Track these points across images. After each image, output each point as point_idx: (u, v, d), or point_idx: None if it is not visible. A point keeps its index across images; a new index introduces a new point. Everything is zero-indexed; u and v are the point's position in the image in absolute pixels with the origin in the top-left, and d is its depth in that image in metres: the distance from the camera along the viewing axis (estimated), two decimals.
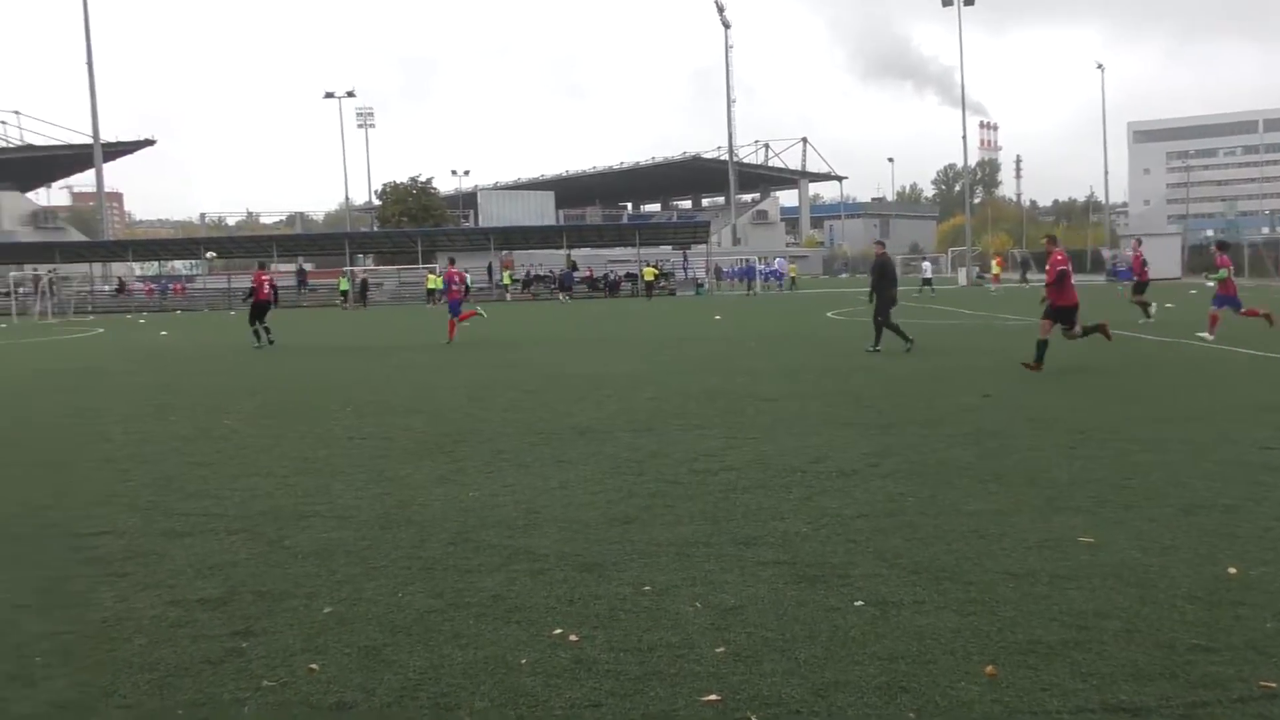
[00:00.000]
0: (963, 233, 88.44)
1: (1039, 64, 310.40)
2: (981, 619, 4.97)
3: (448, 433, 11.18)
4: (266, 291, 28.35)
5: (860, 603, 5.25)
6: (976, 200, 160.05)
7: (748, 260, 76.12)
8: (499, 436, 10.83)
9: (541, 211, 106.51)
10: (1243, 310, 20.92)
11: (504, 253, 75.48)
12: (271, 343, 26.42)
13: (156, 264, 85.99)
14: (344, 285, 64.15)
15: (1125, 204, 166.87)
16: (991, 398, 12.81)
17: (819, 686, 4.25)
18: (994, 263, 69.27)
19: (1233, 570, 5.61)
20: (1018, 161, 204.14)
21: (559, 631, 4.93)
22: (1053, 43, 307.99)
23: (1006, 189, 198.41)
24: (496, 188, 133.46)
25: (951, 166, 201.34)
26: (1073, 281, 16.01)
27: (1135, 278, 28.18)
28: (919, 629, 4.86)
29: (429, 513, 7.50)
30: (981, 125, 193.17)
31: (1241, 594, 5.24)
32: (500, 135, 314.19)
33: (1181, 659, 4.43)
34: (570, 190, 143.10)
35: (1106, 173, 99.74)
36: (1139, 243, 33.32)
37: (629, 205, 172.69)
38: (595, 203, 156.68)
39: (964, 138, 77.91)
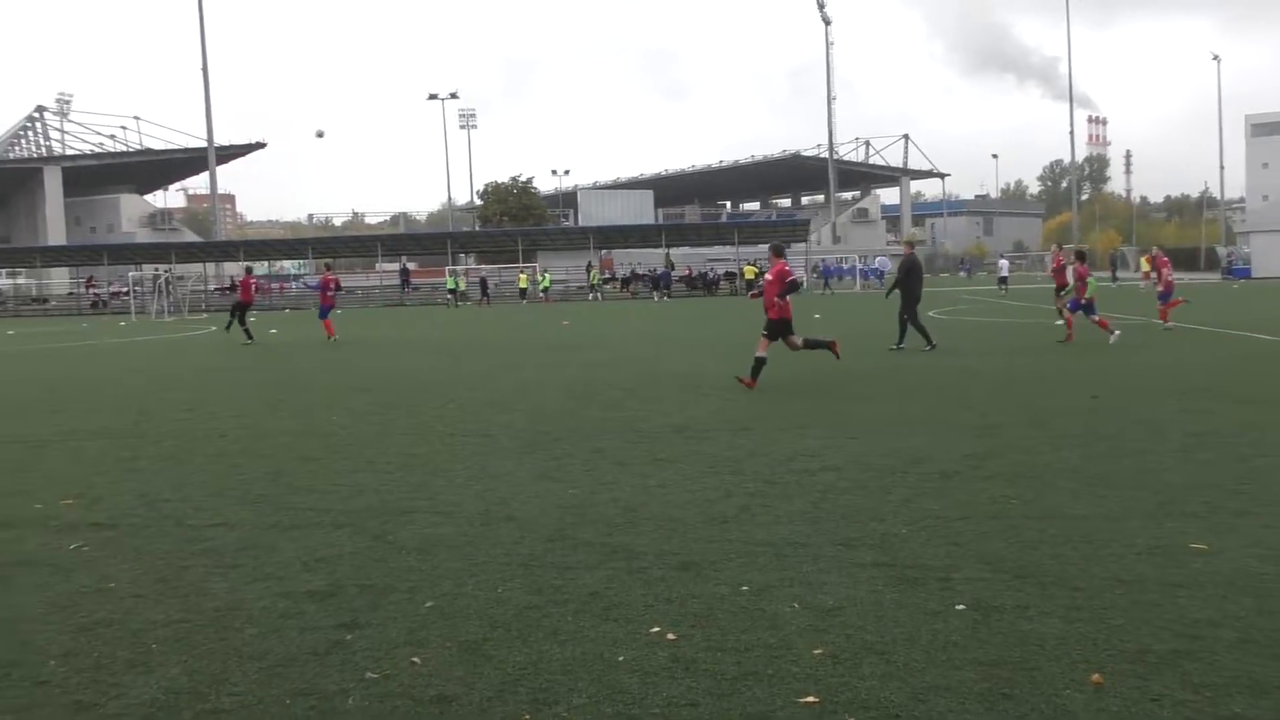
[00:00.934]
0: (1069, 230, 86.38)
1: (1150, 56, 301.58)
2: (1088, 626, 4.86)
3: (547, 430, 11.28)
4: (252, 293, 30.18)
5: (962, 606, 5.17)
6: (1084, 197, 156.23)
7: (823, 260, 75.59)
8: (598, 434, 10.89)
9: (640, 210, 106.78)
10: (1095, 319, 21.00)
11: (603, 252, 75.88)
12: (250, 339, 27.67)
13: (266, 264, 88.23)
14: (452, 284, 64.96)
15: (1242, 199, 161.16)
16: (1099, 399, 12.51)
17: (918, 690, 4.20)
18: (1144, 260, 65.55)
19: None
20: (1127, 157, 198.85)
21: (656, 630, 4.95)
22: (1163, 34, 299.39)
23: (1115, 185, 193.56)
24: (595, 187, 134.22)
25: (1058, 162, 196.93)
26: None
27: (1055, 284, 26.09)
28: (1022, 634, 4.77)
29: (528, 510, 7.58)
30: (1089, 120, 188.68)
31: None
32: (599, 135, 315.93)
33: None
34: (669, 189, 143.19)
35: (1222, 168, 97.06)
36: (1059, 248, 32.03)
37: (728, 204, 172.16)
38: (694, 201, 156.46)
39: (1071, 132, 76.42)
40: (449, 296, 63.98)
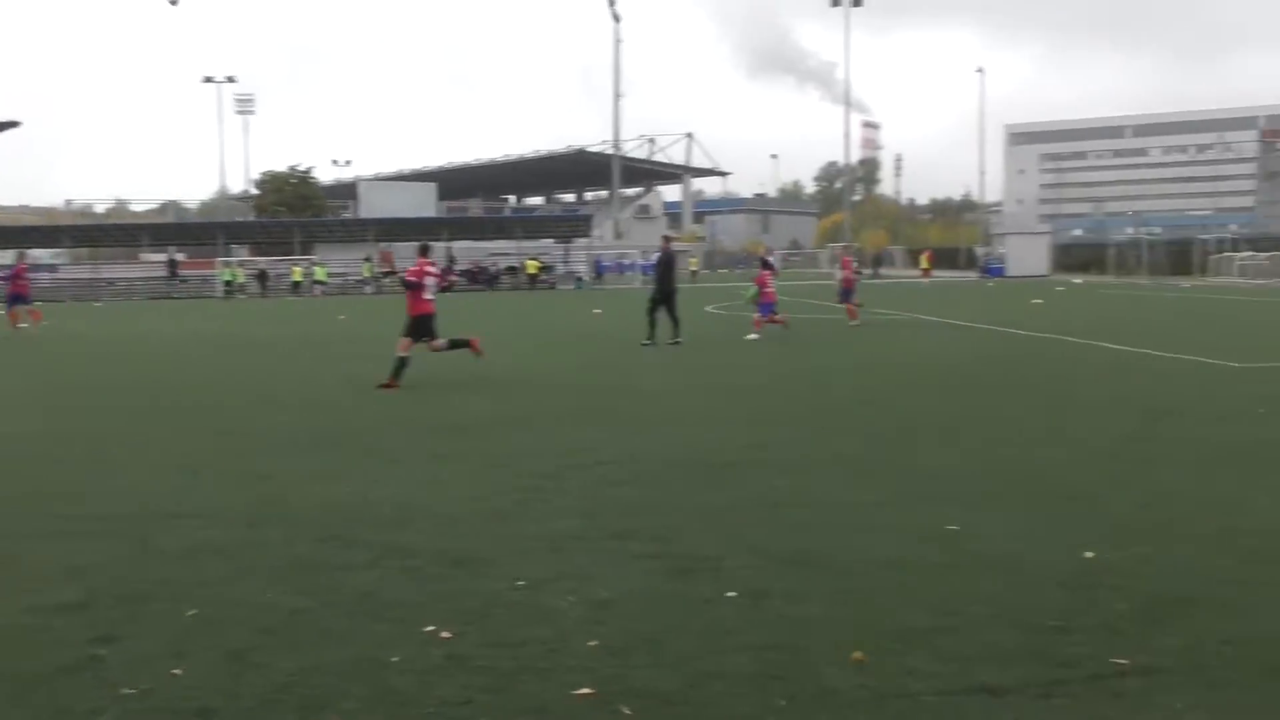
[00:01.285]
0: (842, 229, 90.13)
1: (921, 66, 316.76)
2: (852, 607, 5.07)
3: (320, 428, 10.96)
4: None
5: (733, 594, 5.30)
6: (856, 198, 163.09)
7: (599, 257, 76.47)
8: (373, 431, 10.66)
9: (423, 203, 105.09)
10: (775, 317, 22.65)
11: (383, 244, 74.24)
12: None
13: (16, 253, 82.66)
14: (228, 276, 62.33)
15: (1000, 204, 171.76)
16: (866, 390, 13.08)
17: (691, 677, 4.28)
18: (924, 257, 67.50)
19: (1090, 555, 5.82)
20: (898, 160, 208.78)
21: (431, 628, 4.87)
22: (934, 43, 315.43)
23: (886, 187, 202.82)
24: (377, 178, 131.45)
25: (833, 164, 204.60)
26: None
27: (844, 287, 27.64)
28: (790, 618, 4.93)
29: (299, 510, 7.35)
30: (864, 124, 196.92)
31: (1099, 577, 5.46)
32: (383, 126, 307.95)
33: (1041, 641, 4.59)
34: (453, 182, 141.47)
35: (983, 173, 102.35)
36: (845, 249, 34.52)
37: (512, 198, 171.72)
38: (478, 195, 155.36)
39: (846, 136, 79.50)
40: (225, 288, 61.45)
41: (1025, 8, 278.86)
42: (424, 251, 15.60)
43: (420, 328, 14.76)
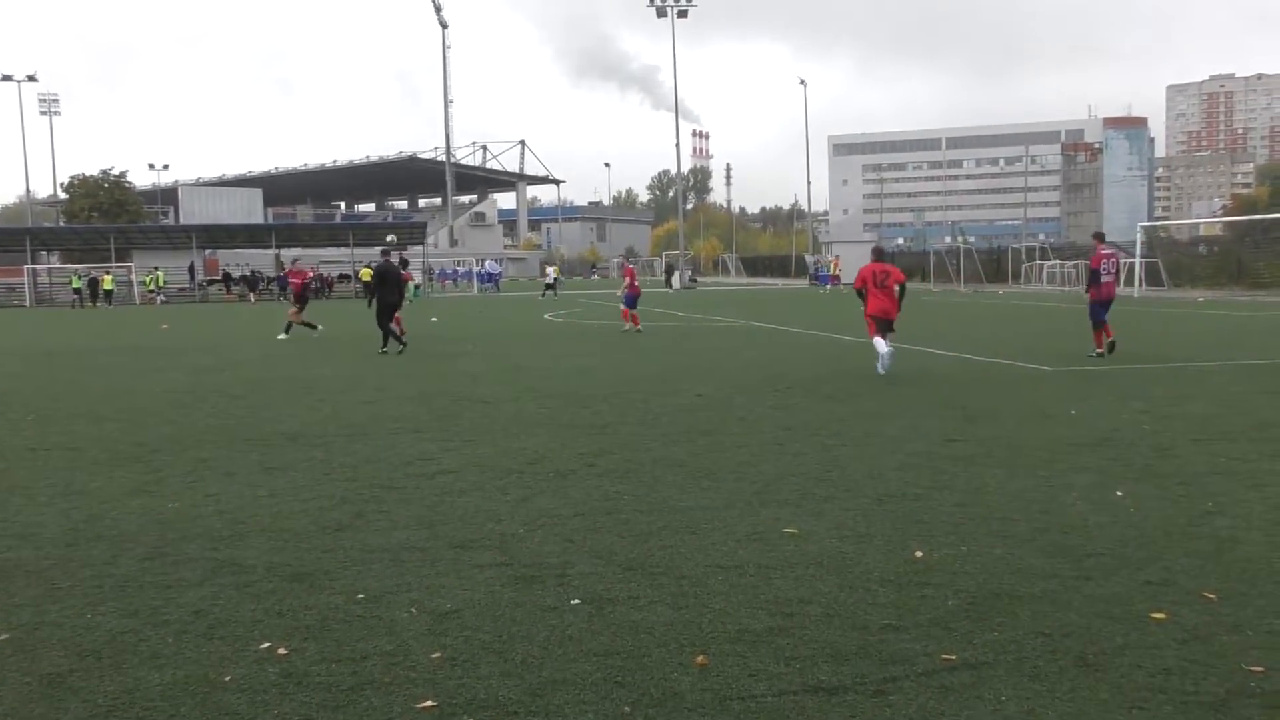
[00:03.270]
0: (676, 237, 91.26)
1: (738, 77, 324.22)
2: (693, 611, 5.12)
3: (144, 441, 10.50)
4: None
5: (577, 601, 5.30)
6: (689, 206, 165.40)
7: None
8: (202, 443, 10.27)
9: (248, 209, 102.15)
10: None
11: (208, 252, 71.83)
12: None
13: None
14: (78, 283, 59.58)
15: (826, 212, 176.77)
16: (703, 398, 13.25)
17: (535, 686, 4.25)
18: (832, 263, 68.13)
19: (919, 554, 6.03)
20: (728, 169, 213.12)
21: (267, 645, 4.72)
22: (748, 56, 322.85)
23: (718, 196, 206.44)
24: (199, 183, 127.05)
25: (665, 172, 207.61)
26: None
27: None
28: (634, 624, 4.95)
29: (122, 527, 7.02)
30: (694, 134, 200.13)
31: (927, 575, 5.64)
32: (202, 129, 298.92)
33: (875, 639, 4.72)
34: (280, 188, 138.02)
35: (809, 183, 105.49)
36: (626, 259, 36.26)
37: (342, 205, 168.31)
38: (307, 201, 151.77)
39: (677, 145, 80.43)
40: (74, 296, 58.77)
41: (832, 23, 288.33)
42: None
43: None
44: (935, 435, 10.10)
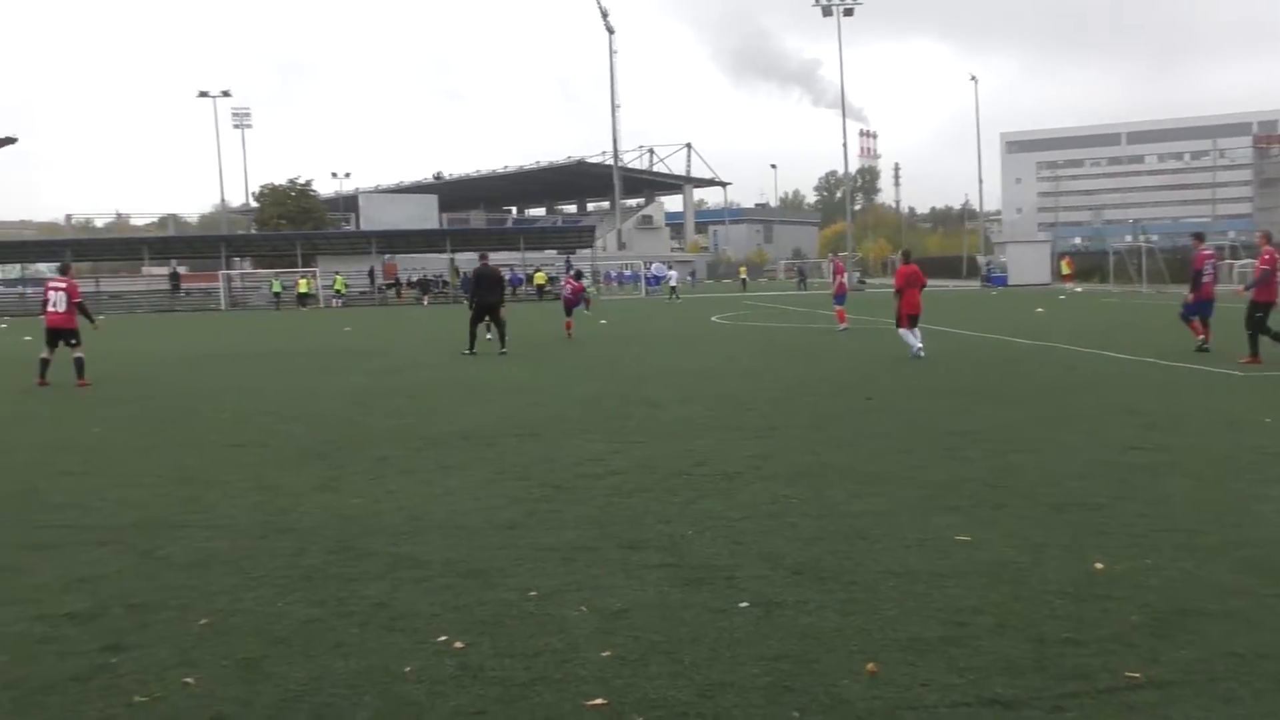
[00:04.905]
0: (844, 238, 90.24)
1: (899, 75, 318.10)
2: (863, 617, 5.06)
3: (328, 438, 10.96)
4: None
5: (745, 604, 5.30)
6: (857, 207, 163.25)
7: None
8: (381, 442, 10.66)
9: (424, 215, 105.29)
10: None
11: (386, 256, 74.40)
12: None
13: (19, 267, 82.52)
14: (277, 287, 62.99)
15: (999, 212, 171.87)
16: (873, 401, 13.07)
17: (704, 688, 4.27)
18: (1064, 263, 67.91)
19: (1099, 566, 5.81)
20: (896, 169, 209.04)
21: (443, 639, 4.87)
22: (904, 55, 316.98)
23: (886, 196, 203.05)
24: (378, 190, 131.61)
25: (833, 173, 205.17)
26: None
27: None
28: (802, 629, 4.93)
29: (309, 521, 7.35)
30: (861, 133, 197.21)
31: (1108, 588, 5.44)
32: (381, 138, 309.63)
33: (1052, 652, 4.57)
34: (453, 194, 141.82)
35: (981, 181, 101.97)
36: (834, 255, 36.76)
37: (513, 209, 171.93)
38: (479, 206, 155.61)
39: (845, 145, 79.44)
40: (273, 299, 61.98)
41: (992, 20, 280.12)
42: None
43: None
44: (1116, 442, 9.72)
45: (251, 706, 4.19)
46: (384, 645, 4.83)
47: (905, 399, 13.26)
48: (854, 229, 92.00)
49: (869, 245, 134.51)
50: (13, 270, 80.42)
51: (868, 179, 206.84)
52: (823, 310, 32.52)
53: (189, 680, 4.45)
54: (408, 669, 4.52)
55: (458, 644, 4.80)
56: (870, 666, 4.43)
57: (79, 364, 17.51)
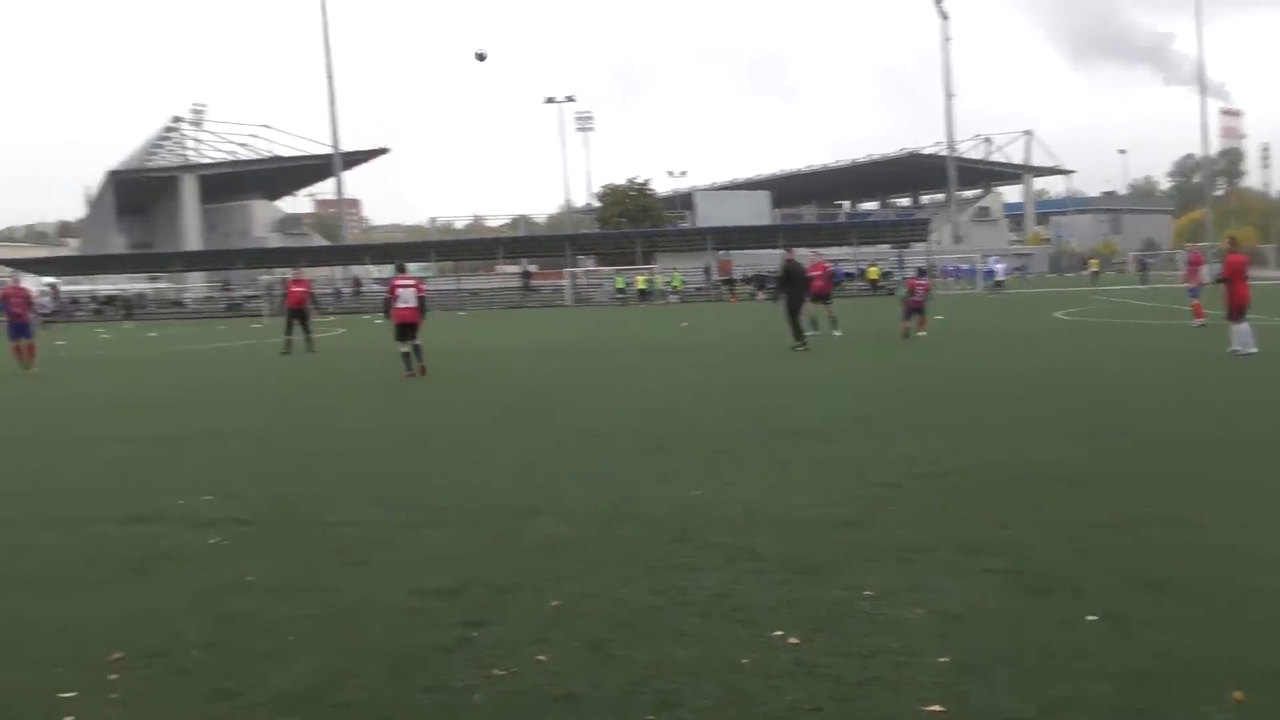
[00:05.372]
0: (1202, 227, 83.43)
1: (1264, 49, 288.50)
2: (1227, 639, 4.70)
3: (666, 431, 11.31)
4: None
5: (1093, 617, 5.04)
6: (1218, 192, 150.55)
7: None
8: (717, 435, 10.89)
9: (757, 211, 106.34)
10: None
11: (721, 253, 75.74)
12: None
13: (393, 267, 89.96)
14: (620, 283, 65.81)
15: None
16: (1231, 405, 12.07)
17: (1047, 703, 4.11)
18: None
19: None
20: (1264, 150, 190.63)
21: (780, 633, 4.93)
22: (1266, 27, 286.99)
23: (1253, 180, 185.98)
24: (712, 188, 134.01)
25: (1189, 156, 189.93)
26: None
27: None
28: (1156, 647, 4.63)
29: (649, 510, 7.63)
30: (1223, 112, 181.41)
31: None
32: (714, 137, 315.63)
33: None
34: (785, 190, 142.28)
35: None
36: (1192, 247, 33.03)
37: (845, 204, 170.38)
38: (811, 202, 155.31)
39: (1203, 126, 73.49)
40: (625, 294, 64.62)
41: None
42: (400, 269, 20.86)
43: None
44: None
45: (599, 687, 4.41)
46: (723, 636, 4.95)
47: (1271, 401, 12.14)
48: (1213, 216, 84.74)
49: (1234, 233, 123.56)
50: (388, 270, 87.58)
51: (1230, 162, 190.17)
52: (1179, 305, 30.24)
53: (542, 658, 4.74)
54: (745, 661, 4.62)
55: (793, 639, 4.85)
56: (1237, 694, 4.10)
57: (417, 351, 19.05)
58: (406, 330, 19.04)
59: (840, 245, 74.36)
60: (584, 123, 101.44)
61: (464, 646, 4.95)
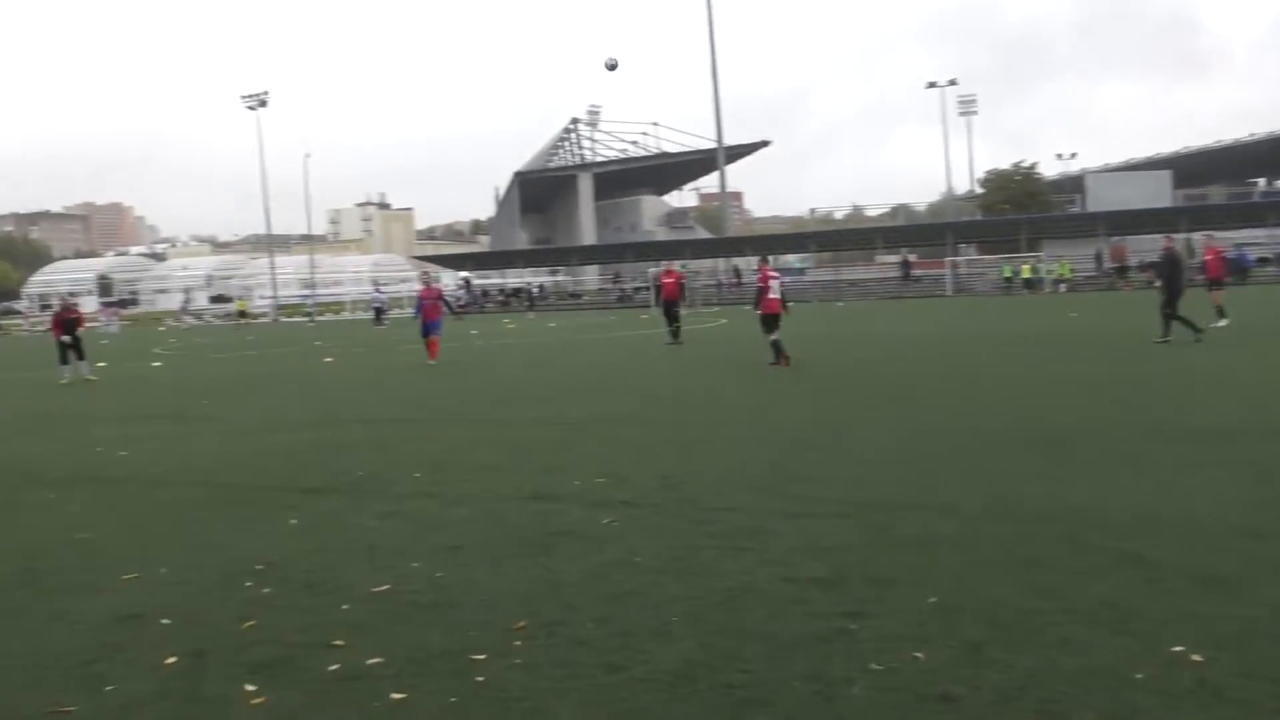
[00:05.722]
0: None
1: None
2: None
3: (1053, 427, 10.79)
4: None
5: None
6: None
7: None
8: (1110, 432, 10.28)
9: (1156, 193, 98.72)
10: None
11: (1114, 239, 70.95)
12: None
13: (771, 258, 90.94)
14: (1007, 272, 63.85)
15: None
16: None
17: None
18: None
19: None
20: None
21: (1179, 649, 4.60)
22: None
23: None
24: (1105, 170, 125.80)
25: None
26: None
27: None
28: None
29: (1030, 509, 7.34)
30: None
31: None
32: (1108, 115, 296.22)
33: None
34: (1189, 168, 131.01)
35: None
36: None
37: (1260, 181, 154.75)
38: (1219, 181, 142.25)
39: None
40: (1010, 283, 62.60)
41: None
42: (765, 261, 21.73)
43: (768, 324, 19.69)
44: None
45: (977, 689, 4.31)
46: (1112, 646, 4.69)
47: None
48: None
49: None
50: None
51: None
52: None
53: (919, 655, 4.69)
54: (1139, 676, 4.35)
55: (1195, 656, 4.52)
56: None
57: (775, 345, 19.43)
58: (773, 321, 19.56)
59: (1253, 228, 67.66)
60: (966, 106, 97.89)
61: (842, 637, 4.98)
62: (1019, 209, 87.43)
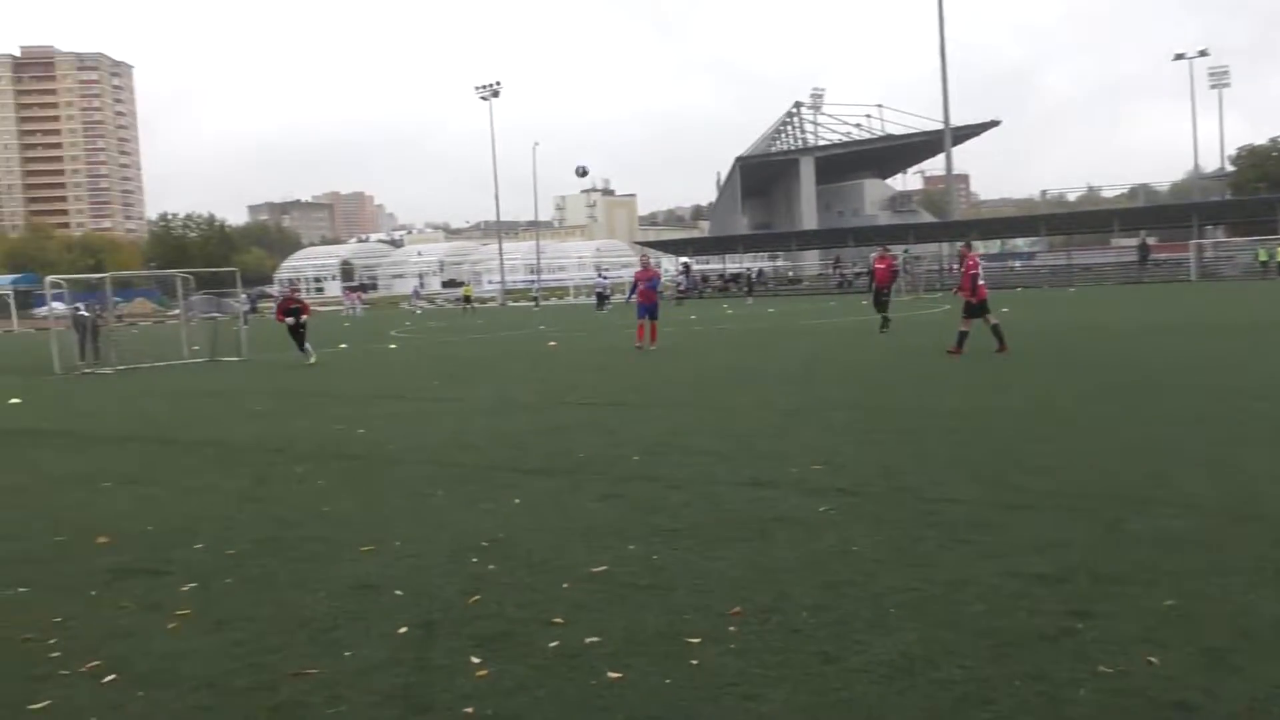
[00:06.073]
0: None
1: None
2: None
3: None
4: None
5: None
6: None
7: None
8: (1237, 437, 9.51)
9: None
10: None
11: None
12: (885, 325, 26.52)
13: (999, 242, 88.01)
14: (1263, 256, 60.00)
15: None
16: None
17: None
18: None
19: None
20: None
21: None
22: None
23: None
24: None
25: None
26: None
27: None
28: None
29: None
30: None
31: None
32: None
33: None
34: None
35: None
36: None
37: None
38: None
39: None
40: (1266, 267, 58.80)
41: None
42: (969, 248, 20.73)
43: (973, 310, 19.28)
44: None
45: (1218, 699, 4.06)
46: None
47: None
48: None
49: None
50: (993, 245, 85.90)
51: None
52: None
53: (1153, 660, 4.45)
54: None
55: None
56: None
57: (995, 330, 19.02)
58: (980, 307, 19.18)
59: None
60: (1218, 79, 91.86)
61: (1067, 637, 4.79)
62: (1276, 188, 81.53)
